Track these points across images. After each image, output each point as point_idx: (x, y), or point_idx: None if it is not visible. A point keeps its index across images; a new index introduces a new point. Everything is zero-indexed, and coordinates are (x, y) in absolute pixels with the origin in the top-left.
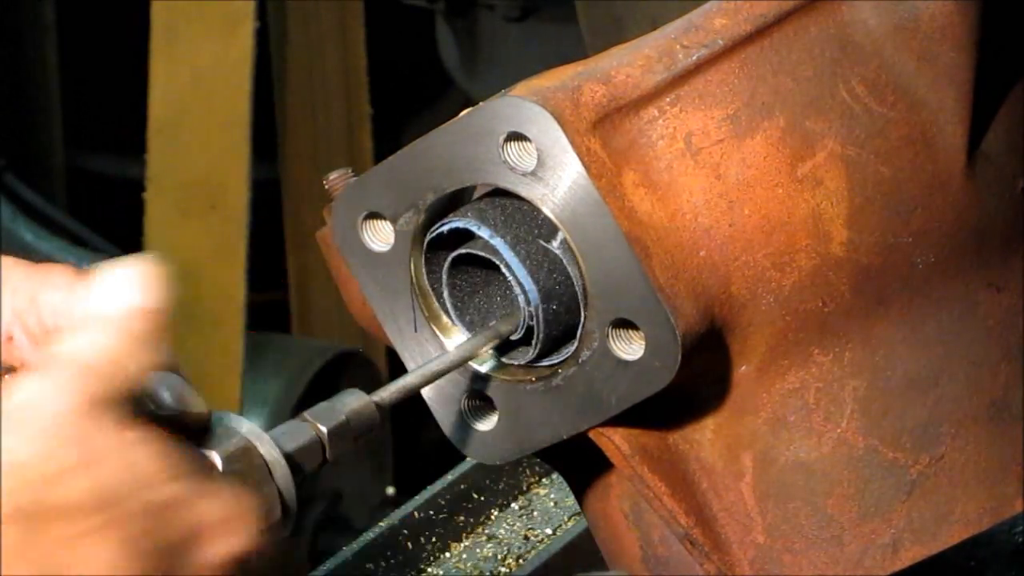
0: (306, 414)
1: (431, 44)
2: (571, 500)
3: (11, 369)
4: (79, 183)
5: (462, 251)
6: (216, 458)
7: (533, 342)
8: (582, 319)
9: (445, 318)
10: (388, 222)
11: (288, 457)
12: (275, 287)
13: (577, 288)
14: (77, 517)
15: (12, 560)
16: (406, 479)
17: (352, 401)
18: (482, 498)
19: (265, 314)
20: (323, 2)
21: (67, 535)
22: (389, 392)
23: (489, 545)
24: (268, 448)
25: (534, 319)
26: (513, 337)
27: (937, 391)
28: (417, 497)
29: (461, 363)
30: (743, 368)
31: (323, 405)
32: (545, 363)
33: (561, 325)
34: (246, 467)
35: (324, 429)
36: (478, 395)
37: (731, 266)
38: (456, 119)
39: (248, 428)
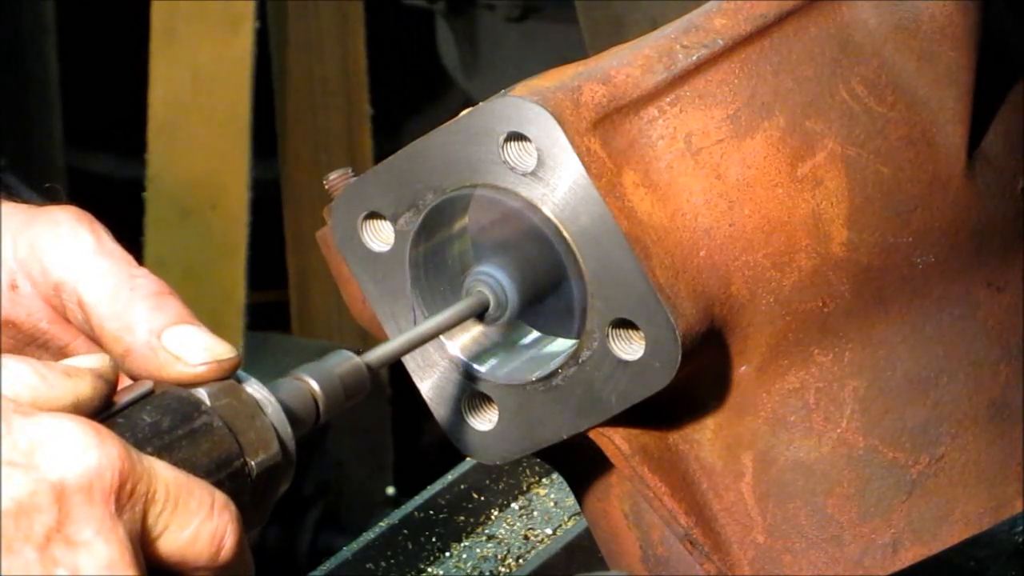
0: (298, 372)
1: (431, 44)
2: (571, 500)
3: (10, 323)
4: (79, 183)
5: None
6: (202, 394)
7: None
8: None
9: None
10: (388, 222)
11: (280, 402)
12: (275, 287)
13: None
14: None
15: None
16: (406, 479)
17: (342, 362)
18: (482, 498)
19: (265, 314)
20: (323, 2)
21: None
22: (377, 355)
23: (489, 545)
24: (256, 388)
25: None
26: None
27: (937, 391)
28: (417, 497)
29: (448, 327)
30: (743, 368)
31: (313, 365)
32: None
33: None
34: (234, 402)
35: (316, 387)
36: (478, 395)
37: (731, 266)
38: (456, 119)
39: (242, 376)
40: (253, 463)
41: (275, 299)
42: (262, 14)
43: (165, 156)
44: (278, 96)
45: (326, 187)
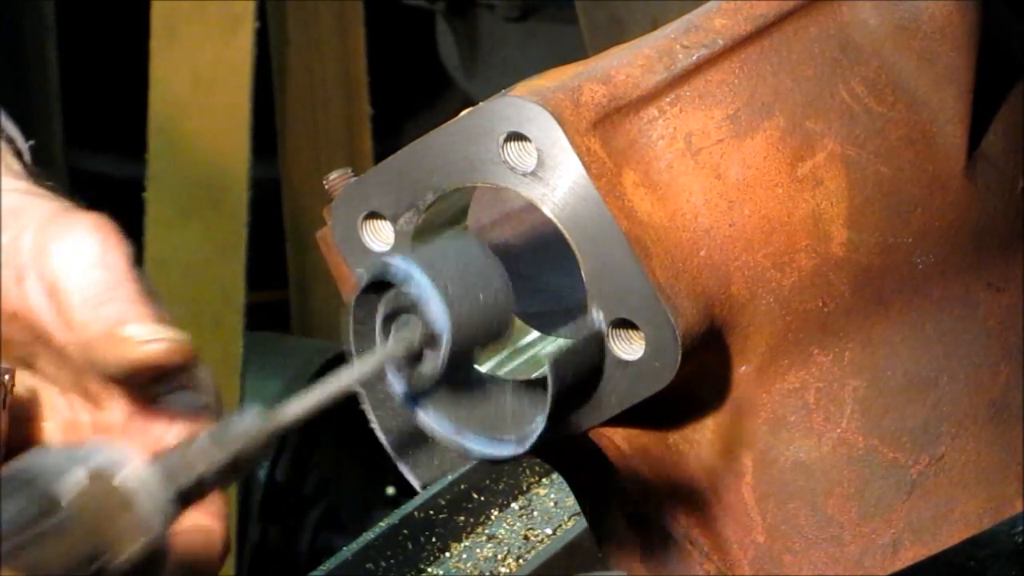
0: (201, 438)
1: (431, 44)
2: (571, 500)
3: (15, 316)
4: (79, 183)
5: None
6: (64, 489)
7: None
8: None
9: None
10: (388, 222)
11: (161, 477)
12: (275, 287)
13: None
14: None
15: None
16: (406, 479)
17: (243, 424)
18: (482, 498)
19: (265, 314)
20: (323, 2)
21: None
22: (288, 414)
23: (489, 545)
24: (137, 466)
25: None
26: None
27: (937, 391)
28: (417, 497)
29: (369, 375)
30: (743, 368)
31: (214, 431)
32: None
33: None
34: (99, 493)
35: (210, 457)
36: None
37: (731, 266)
38: (456, 119)
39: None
40: (118, 559)
41: (275, 299)
42: (262, 14)
43: (165, 156)
44: (278, 96)
45: (326, 187)
